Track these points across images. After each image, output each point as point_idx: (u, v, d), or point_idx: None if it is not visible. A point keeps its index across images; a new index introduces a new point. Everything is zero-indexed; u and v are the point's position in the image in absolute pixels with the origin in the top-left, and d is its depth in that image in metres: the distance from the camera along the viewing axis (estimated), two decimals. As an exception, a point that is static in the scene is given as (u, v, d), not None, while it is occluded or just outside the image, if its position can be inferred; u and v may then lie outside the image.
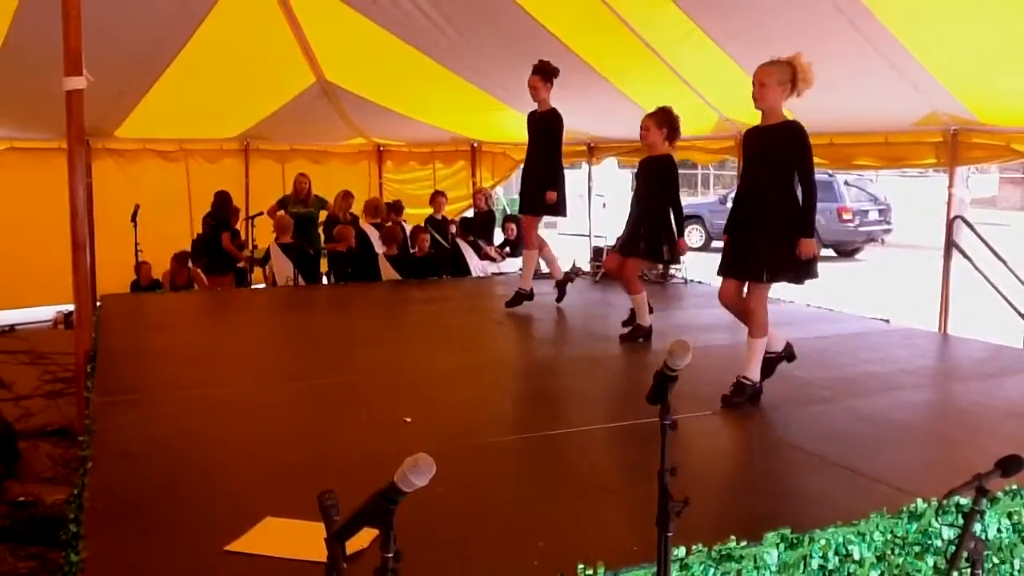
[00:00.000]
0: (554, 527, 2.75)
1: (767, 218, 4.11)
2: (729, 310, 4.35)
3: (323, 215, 9.94)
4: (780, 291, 6.56)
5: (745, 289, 4.26)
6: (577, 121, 9.17)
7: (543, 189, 6.35)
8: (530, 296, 6.67)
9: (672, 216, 5.44)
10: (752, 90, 4.12)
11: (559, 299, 6.84)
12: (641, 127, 5.55)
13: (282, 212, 9.49)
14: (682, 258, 5.81)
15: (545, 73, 6.28)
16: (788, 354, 4.42)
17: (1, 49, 7.61)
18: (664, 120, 5.46)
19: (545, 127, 6.42)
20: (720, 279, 4.35)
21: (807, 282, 4.19)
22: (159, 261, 9.61)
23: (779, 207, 4.09)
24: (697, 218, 19.29)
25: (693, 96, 7.38)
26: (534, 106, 6.43)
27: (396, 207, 10.60)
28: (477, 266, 9.92)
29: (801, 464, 3.41)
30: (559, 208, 6.43)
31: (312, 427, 3.89)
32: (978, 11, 5.13)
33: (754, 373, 4.21)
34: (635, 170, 6.01)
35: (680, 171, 5.54)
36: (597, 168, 10.55)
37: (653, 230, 5.46)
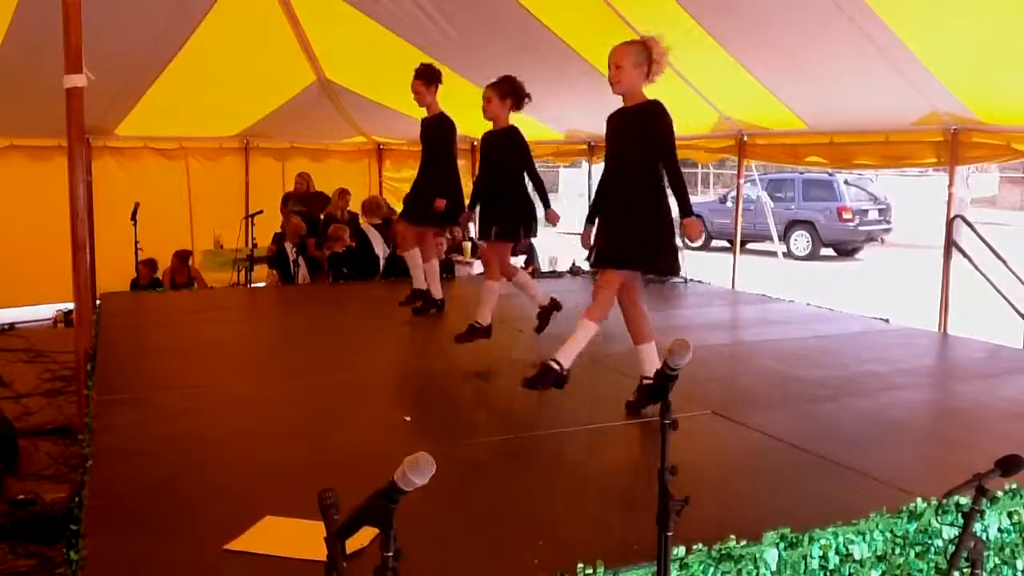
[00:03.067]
0: (554, 527, 2.75)
1: (626, 203, 3.93)
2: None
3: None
4: (781, 291, 6.59)
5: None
6: (577, 120, 9.20)
7: (431, 197, 5.85)
8: (435, 301, 6.28)
9: (530, 189, 5.13)
10: (608, 73, 3.92)
11: (416, 306, 6.31)
12: (483, 98, 5.16)
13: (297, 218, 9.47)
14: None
15: (427, 76, 5.88)
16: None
17: (1, 47, 7.61)
18: (508, 90, 5.14)
19: (434, 133, 6.00)
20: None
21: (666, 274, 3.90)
22: (159, 259, 9.63)
23: (639, 192, 3.90)
24: (697, 217, 19.20)
25: (693, 95, 7.37)
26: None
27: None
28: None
29: (801, 464, 3.40)
30: (448, 216, 6.02)
31: (312, 425, 3.89)
32: (979, 10, 5.13)
33: (567, 358, 3.90)
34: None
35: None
36: (597, 167, 10.53)
37: (507, 208, 5.13)
